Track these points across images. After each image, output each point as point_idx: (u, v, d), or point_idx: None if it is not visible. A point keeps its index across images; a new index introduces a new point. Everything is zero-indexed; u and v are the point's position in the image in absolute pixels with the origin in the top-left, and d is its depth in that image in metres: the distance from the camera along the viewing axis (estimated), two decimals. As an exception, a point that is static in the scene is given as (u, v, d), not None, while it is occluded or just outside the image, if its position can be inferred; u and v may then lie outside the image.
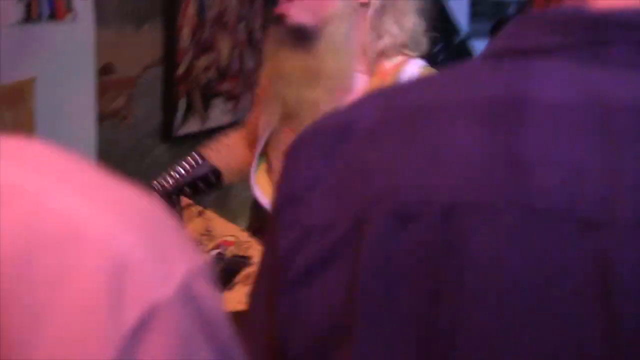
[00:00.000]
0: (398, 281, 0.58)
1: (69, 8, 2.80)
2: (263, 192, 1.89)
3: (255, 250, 1.92)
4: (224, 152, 2.07)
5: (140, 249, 0.42)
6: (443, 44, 4.37)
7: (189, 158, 2.04)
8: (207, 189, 2.09)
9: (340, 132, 0.64)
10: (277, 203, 0.66)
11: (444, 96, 0.63)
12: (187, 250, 0.45)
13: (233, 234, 2.04)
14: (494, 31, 3.86)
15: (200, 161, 2.03)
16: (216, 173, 2.07)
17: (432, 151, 0.60)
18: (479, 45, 4.35)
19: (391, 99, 0.65)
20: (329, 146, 0.64)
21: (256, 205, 1.95)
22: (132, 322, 0.40)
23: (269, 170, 1.90)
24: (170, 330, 0.41)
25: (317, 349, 0.61)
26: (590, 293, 0.55)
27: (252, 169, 1.91)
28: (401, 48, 1.80)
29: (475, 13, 4.49)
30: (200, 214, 2.05)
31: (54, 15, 2.72)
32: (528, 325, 0.56)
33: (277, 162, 1.85)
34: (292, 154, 0.67)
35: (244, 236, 2.01)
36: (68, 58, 2.41)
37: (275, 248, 0.64)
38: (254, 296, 0.68)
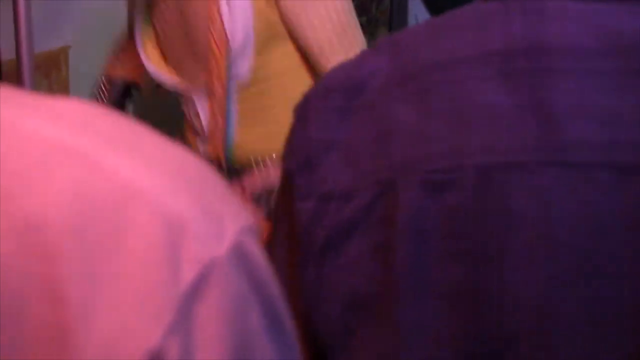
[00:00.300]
0: (437, 251, 0.57)
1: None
2: (157, 67, 1.86)
3: None
4: (128, 61, 2.03)
5: (193, 207, 0.42)
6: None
7: (101, 86, 2.00)
8: (129, 103, 2.08)
9: (351, 91, 0.62)
10: (290, 167, 0.63)
11: (457, 49, 0.60)
12: (236, 208, 0.45)
13: None
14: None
15: (111, 83, 2.01)
16: (132, 85, 2.06)
17: (456, 111, 0.58)
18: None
19: (399, 53, 0.62)
20: (341, 106, 0.62)
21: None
22: (189, 281, 0.40)
23: (158, 41, 1.86)
24: (225, 289, 0.41)
25: (343, 321, 0.60)
26: (635, 239, 0.55)
27: (138, 42, 1.87)
28: None
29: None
30: None
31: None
32: (579, 278, 0.55)
33: (163, 32, 1.82)
34: (302, 114, 0.64)
35: None
36: (101, 26, 2.42)
37: (293, 217, 0.62)
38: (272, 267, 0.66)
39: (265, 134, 1.81)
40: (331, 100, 0.62)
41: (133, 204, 0.40)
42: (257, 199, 1.66)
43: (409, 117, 0.59)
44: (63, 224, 0.39)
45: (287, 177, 0.64)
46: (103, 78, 2.02)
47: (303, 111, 0.64)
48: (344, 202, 0.59)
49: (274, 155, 1.74)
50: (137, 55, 1.95)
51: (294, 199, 0.62)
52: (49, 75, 2.31)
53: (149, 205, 0.40)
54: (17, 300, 0.39)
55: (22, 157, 0.40)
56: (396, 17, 4.37)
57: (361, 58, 0.65)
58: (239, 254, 0.42)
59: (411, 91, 0.60)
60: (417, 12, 4.29)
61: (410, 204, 0.57)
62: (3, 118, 0.42)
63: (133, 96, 2.09)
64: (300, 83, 1.81)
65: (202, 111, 1.82)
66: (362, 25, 4.86)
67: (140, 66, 1.99)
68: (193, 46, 1.76)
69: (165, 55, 1.85)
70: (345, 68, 0.65)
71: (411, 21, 4.40)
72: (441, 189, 0.57)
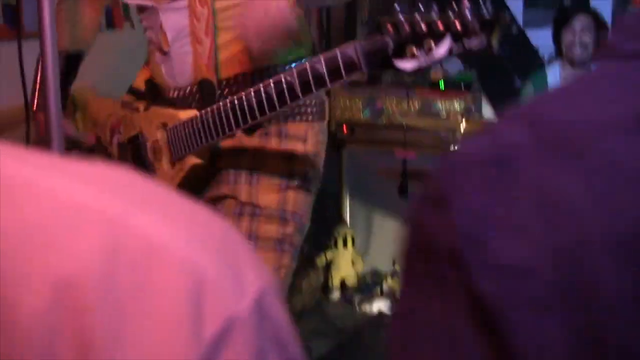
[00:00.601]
0: None
1: (126, 17, 2.84)
2: None
3: (140, 119, 1.89)
4: (69, 30, 2.00)
5: (216, 266, 0.44)
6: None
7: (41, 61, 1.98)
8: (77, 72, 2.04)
9: (498, 163, 0.60)
10: (450, 245, 0.60)
11: (605, 112, 0.59)
12: (257, 267, 0.47)
13: (111, 112, 1.99)
14: (558, 22, 3.79)
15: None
16: (78, 55, 2.03)
17: (626, 175, 0.56)
18: (534, 35, 4.28)
19: (539, 122, 0.61)
20: (492, 177, 0.60)
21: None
22: (210, 337, 0.42)
23: None
24: (246, 345, 0.43)
25: None
26: None
27: None
28: None
29: (529, 2, 4.42)
30: (74, 104, 2.00)
31: (112, 25, 2.77)
32: None
33: None
34: (448, 188, 0.62)
35: (120, 108, 1.97)
36: (126, 66, 2.45)
37: (458, 296, 0.60)
38: (436, 340, 0.62)
39: (233, 38, 1.78)
40: (479, 173, 0.61)
41: (158, 262, 0.42)
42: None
43: (574, 186, 0.57)
44: (93, 282, 0.41)
45: (442, 252, 0.61)
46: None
47: (449, 185, 0.62)
48: (526, 278, 0.57)
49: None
50: (78, 23, 1.94)
51: (465, 276, 0.59)
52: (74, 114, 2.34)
53: (173, 263, 0.43)
54: (47, 352, 0.41)
55: (52, 218, 0.43)
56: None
57: (495, 130, 0.64)
58: (259, 310, 0.44)
59: (567, 159, 0.58)
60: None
61: (606, 277, 0.55)
62: (32, 180, 0.44)
63: (78, 68, 2.05)
64: None
65: (169, 28, 1.81)
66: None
67: (82, 33, 1.99)
68: None
69: None
70: (480, 141, 0.64)
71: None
72: (635, 258, 0.54)
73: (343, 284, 3.97)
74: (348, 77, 1.48)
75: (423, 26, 1.39)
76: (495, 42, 1.40)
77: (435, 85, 3.79)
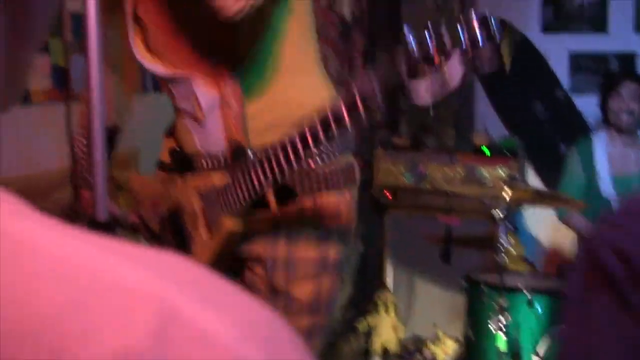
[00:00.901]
0: None
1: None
2: (152, 63, 1.86)
3: (178, 191, 1.89)
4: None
5: (262, 356, 0.44)
6: (542, 101, 4.30)
7: (79, 139, 1.96)
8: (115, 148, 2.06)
9: None
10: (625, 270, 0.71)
11: None
12: (304, 358, 0.47)
13: (152, 189, 1.99)
14: (605, 88, 3.75)
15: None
16: (114, 129, 2.02)
17: None
18: (580, 102, 4.26)
19: None
20: None
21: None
22: None
23: (144, 36, 1.86)
24: None
25: None
26: None
27: (132, 44, 1.86)
28: None
29: (575, 68, 4.40)
30: (117, 187, 2.03)
31: (158, 88, 2.81)
32: None
33: (152, 25, 1.82)
34: (632, 214, 0.74)
35: (158, 185, 1.97)
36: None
37: None
38: None
39: (265, 105, 1.77)
40: None
41: (206, 352, 0.43)
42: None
43: None
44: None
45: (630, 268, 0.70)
46: (80, 130, 1.98)
47: (626, 220, 0.74)
48: None
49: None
50: (110, 100, 1.95)
51: None
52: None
53: (220, 354, 0.43)
54: None
55: (101, 298, 0.44)
56: (463, 118, 4.39)
57: None
58: None
59: None
60: (484, 113, 4.31)
61: None
62: (81, 260, 0.45)
63: (117, 142, 2.06)
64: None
65: (202, 95, 1.81)
66: (427, 125, 4.82)
67: (116, 105, 2.02)
68: (194, 32, 1.77)
69: (153, 52, 1.87)
70: None
71: (477, 122, 4.41)
72: None
73: (384, 350, 3.92)
74: (365, 110, 1.49)
75: (432, 45, 1.42)
76: (506, 54, 1.44)
77: (478, 150, 3.77)
